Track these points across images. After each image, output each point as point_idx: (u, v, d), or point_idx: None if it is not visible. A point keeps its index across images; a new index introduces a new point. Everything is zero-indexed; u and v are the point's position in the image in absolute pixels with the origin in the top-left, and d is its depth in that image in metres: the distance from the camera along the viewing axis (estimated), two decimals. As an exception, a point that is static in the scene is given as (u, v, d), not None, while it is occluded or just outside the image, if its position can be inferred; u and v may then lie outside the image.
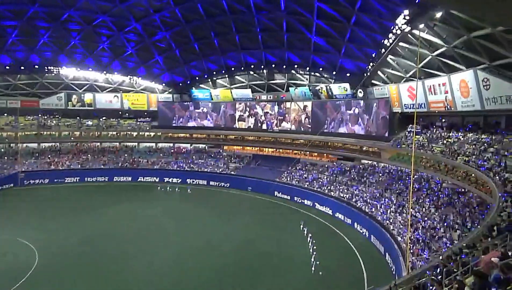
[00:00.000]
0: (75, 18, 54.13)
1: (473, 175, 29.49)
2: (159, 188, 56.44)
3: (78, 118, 68.68)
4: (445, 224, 27.71)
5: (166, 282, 25.94)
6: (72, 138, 67.14)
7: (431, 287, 9.88)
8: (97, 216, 41.43)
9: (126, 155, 66.42)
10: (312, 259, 28.94)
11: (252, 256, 30.96)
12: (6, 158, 60.09)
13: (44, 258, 29.28)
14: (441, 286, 8.54)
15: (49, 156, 63.20)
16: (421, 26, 30.74)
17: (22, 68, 61.56)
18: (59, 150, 65.50)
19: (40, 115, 67.00)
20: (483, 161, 28.74)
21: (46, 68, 62.16)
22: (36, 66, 62.04)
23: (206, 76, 66.90)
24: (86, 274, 26.78)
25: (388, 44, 37.88)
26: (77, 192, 53.51)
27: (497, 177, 24.61)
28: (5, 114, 64.24)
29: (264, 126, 63.64)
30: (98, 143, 68.48)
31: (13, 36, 55.39)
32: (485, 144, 31.59)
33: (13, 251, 30.72)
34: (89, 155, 65.02)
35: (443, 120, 41.48)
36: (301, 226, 37.50)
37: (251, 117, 64.83)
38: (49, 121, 67.38)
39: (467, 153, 31.82)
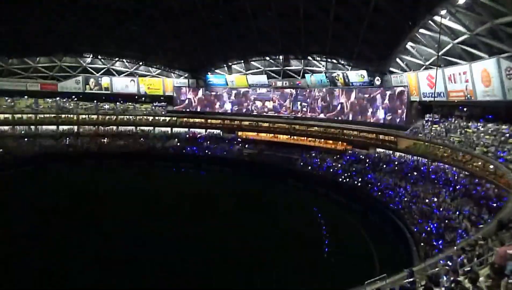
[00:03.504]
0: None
1: (491, 166, 28.95)
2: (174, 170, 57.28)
3: (95, 101, 69.60)
4: (457, 213, 27.44)
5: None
6: (90, 121, 68.26)
7: (445, 277, 9.87)
8: (114, 197, 42.33)
9: (142, 139, 67.23)
10: (325, 245, 29.08)
11: (264, 241, 31.21)
12: (26, 139, 61.57)
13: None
14: (457, 274, 8.53)
15: (68, 138, 64.44)
16: (443, 12, 29.91)
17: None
18: (78, 133, 66.75)
19: (58, 98, 68.08)
20: (502, 153, 28.17)
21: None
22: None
23: (221, 61, 66.68)
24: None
25: (408, 31, 37.07)
26: (95, 174, 54.61)
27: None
28: (26, 97, 65.52)
29: (279, 113, 63.39)
30: (115, 127, 69.47)
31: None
32: (506, 135, 30.90)
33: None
34: (106, 139, 66.08)
35: (464, 109, 40.60)
36: (315, 213, 37.60)
37: (267, 103, 64.63)
38: (67, 104, 68.50)
39: (486, 144, 31.21)
